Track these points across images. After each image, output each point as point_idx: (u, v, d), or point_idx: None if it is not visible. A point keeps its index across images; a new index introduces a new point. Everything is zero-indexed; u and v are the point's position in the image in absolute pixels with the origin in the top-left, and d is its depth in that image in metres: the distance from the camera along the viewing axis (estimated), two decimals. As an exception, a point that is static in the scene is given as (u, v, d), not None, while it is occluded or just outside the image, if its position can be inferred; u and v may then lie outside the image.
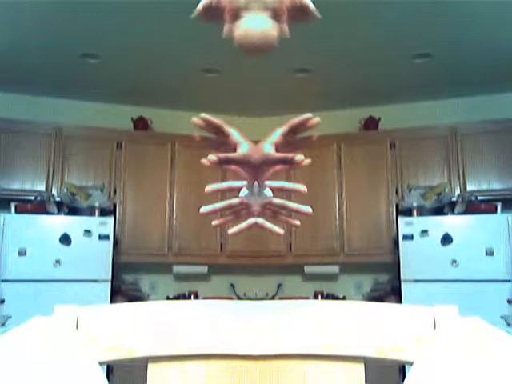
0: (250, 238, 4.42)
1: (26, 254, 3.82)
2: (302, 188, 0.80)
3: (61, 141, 4.37)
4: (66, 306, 0.83)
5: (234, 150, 0.79)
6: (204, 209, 0.80)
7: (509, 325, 2.99)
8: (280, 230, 0.83)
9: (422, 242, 4.01)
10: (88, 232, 4.00)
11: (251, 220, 0.82)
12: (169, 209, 4.52)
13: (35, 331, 0.77)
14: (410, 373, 0.75)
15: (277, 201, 0.82)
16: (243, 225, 0.82)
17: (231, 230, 0.83)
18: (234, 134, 0.80)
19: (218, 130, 0.80)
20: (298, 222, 0.83)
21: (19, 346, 0.73)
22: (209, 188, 0.79)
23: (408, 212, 4.27)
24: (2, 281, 3.75)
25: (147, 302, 0.93)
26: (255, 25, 0.94)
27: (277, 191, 0.82)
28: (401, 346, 0.82)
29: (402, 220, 4.15)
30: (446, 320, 0.82)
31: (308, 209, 0.81)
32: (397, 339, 0.83)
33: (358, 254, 4.44)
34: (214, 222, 0.83)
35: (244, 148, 0.78)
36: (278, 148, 0.79)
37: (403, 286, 3.99)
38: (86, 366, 0.76)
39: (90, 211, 4.18)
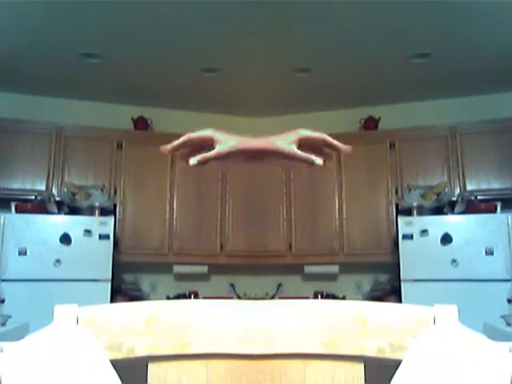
0: (250, 238, 4.43)
1: (26, 253, 3.82)
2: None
3: (61, 141, 4.37)
4: (66, 306, 0.83)
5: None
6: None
7: (508, 324, 2.99)
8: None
9: (422, 241, 4.01)
10: (88, 232, 4.00)
11: None
12: (169, 209, 4.52)
13: (37, 333, 0.77)
14: (400, 368, 0.75)
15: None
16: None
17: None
18: (215, 136, 0.80)
19: (192, 144, 0.81)
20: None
21: (22, 350, 0.73)
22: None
23: (408, 212, 4.27)
24: (3, 280, 3.75)
25: (147, 302, 0.93)
26: None
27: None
28: (400, 346, 0.82)
29: (401, 220, 4.15)
30: (445, 320, 0.82)
31: None
32: (396, 339, 0.83)
33: (357, 253, 4.44)
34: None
35: (229, 143, 0.79)
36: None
37: (403, 285, 3.99)
38: (94, 364, 0.76)
39: (90, 211, 4.19)
